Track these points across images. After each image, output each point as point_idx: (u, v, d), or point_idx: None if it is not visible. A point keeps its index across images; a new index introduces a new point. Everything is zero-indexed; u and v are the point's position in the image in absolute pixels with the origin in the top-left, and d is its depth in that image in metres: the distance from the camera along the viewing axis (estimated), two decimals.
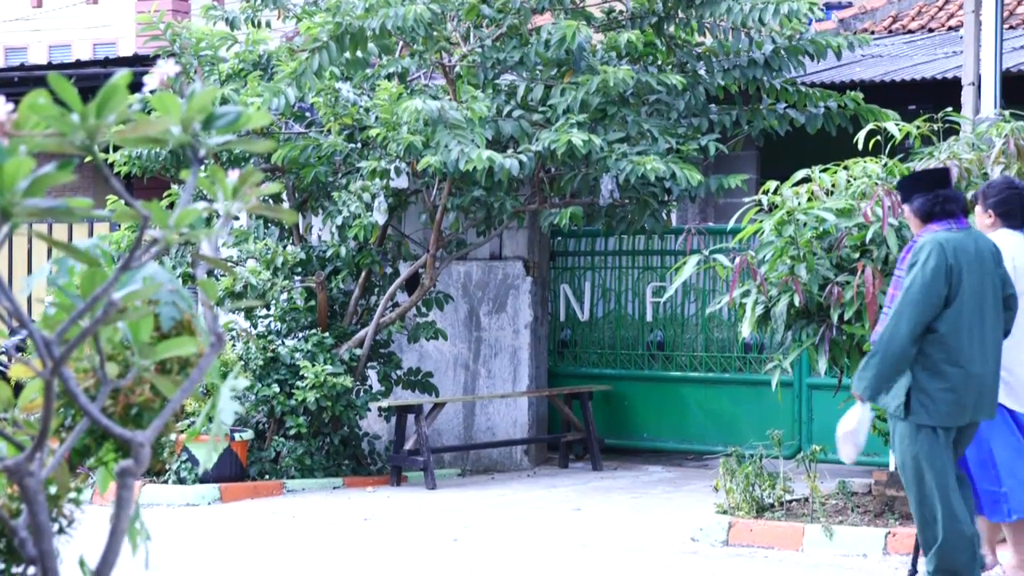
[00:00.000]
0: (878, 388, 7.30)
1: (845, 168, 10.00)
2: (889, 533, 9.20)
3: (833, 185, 9.89)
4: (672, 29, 13.09)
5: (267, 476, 12.78)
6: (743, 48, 12.98)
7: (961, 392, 7.36)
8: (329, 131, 13.22)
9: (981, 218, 8.25)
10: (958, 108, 11.58)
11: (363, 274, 13.63)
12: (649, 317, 14.49)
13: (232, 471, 12.43)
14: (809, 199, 9.73)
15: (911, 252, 7.49)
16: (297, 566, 9.10)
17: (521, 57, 12.68)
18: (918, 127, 10.11)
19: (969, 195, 9.03)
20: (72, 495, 3.14)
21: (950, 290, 7.38)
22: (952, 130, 10.28)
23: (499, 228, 13.59)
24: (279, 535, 10.41)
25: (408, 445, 13.30)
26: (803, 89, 13.28)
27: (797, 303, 9.48)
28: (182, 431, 11.33)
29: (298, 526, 10.79)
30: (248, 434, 12.62)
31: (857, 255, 9.64)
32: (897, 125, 10.07)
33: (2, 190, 2.29)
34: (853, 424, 7.47)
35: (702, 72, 13.22)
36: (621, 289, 14.69)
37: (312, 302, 13.36)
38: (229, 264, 14.61)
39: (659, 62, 13.14)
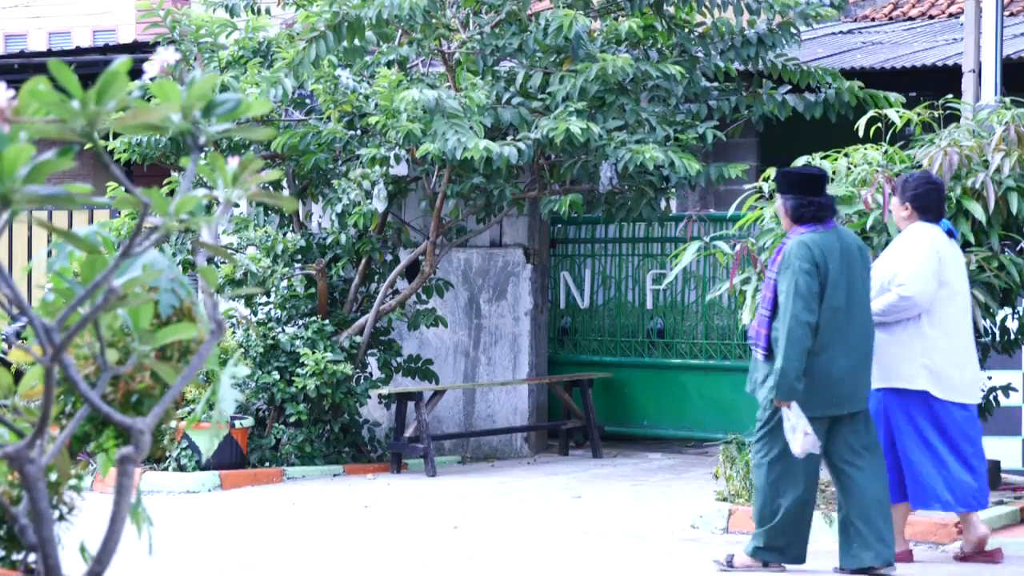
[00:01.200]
0: (793, 390, 7.81)
1: (845, 155, 9.99)
2: None
3: (833, 172, 9.88)
4: (672, 9, 13.06)
5: (267, 463, 12.79)
6: (737, 28, 12.97)
7: (832, 384, 7.87)
8: (329, 118, 13.21)
9: (898, 210, 8.55)
10: (958, 95, 11.57)
11: (363, 261, 13.63)
12: (649, 304, 14.50)
13: (232, 458, 12.44)
14: None
15: (782, 255, 7.98)
16: (297, 553, 9.11)
17: (520, 44, 12.66)
18: (919, 114, 10.10)
19: (971, 182, 9.05)
20: (73, 482, 3.14)
21: (821, 288, 7.87)
22: (953, 117, 10.28)
23: (499, 215, 13.58)
24: (279, 522, 10.41)
25: (408, 432, 13.31)
26: (804, 67, 13.25)
27: None
28: (182, 418, 11.34)
29: (298, 513, 10.80)
30: (248, 421, 12.63)
31: None
32: (897, 112, 10.06)
33: (2, 177, 2.28)
34: (802, 429, 7.79)
35: (700, 55, 13.20)
36: (621, 276, 14.69)
37: (312, 289, 13.36)
38: (229, 251, 14.61)
39: (658, 45, 13.12)
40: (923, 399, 8.35)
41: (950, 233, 8.51)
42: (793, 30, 13.06)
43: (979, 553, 8.45)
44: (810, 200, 8.03)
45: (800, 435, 7.77)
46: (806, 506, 8.06)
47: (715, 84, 13.42)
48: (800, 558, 8.13)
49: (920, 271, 8.28)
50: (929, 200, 8.45)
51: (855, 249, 8.06)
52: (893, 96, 12.80)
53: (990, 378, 10.47)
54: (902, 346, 8.37)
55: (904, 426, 8.39)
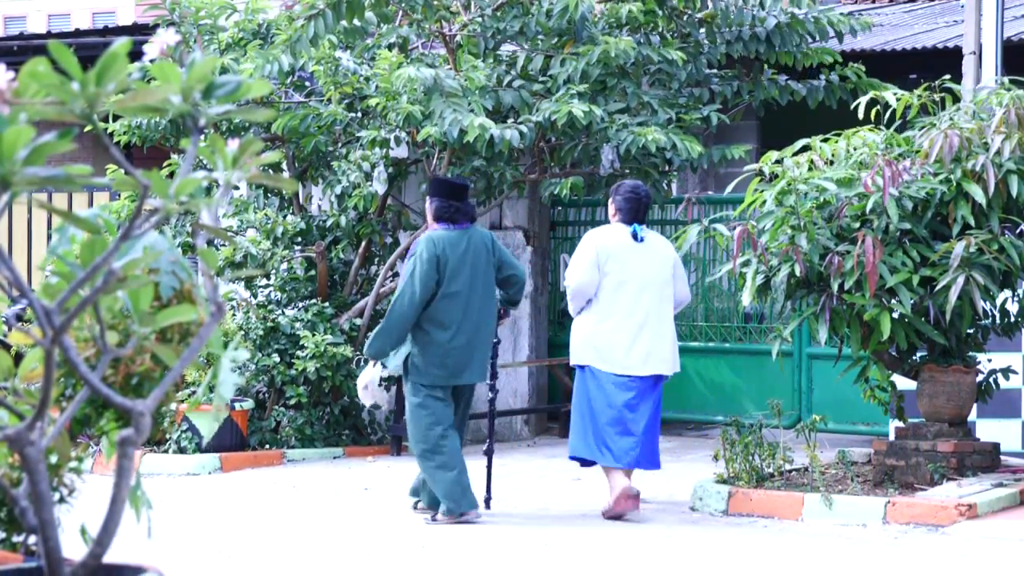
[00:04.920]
0: (382, 351, 9.36)
1: (845, 138, 9.99)
2: (889, 502, 9.22)
3: (833, 155, 9.88)
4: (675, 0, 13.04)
5: (267, 446, 12.80)
6: (746, 22, 12.95)
7: (449, 359, 9.36)
8: (329, 100, 13.20)
9: (610, 207, 10.07)
10: (959, 77, 11.56)
11: (363, 244, 13.62)
12: None
13: (232, 441, 12.45)
14: (809, 169, 9.72)
15: (414, 245, 9.49)
16: (297, 535, 9.12)
17: (521, 27, 12.64)
18: (919, 96, 10.09)
19: (971, 164, 9.04)
20: (73, 464, 3.14)
21: (440, 276, 9.32)
22: (953, 99, 10.26)
23: (499, 198, 13.57)
24: (279, 504, 10.42)
25: None
26: (806, 50, 13.23)
27: (798, 273, 9.48)
28: (182, 401, 11.34)
29: (298, 495, 10.80)
30: (248, 404, 12.63)
31: (857, 225, 9.64)
32: (896, 96, 10.05)
33: (2, 159, 2.28)
34: (367, 379, 9.61)
35: (703, 40, 13.19)
36: None
37: (312, 272, 13.35)
38: (229, 234, 14.63)
39: (660, 29, 13.09)
40: (592, 372, 9.75)
41: (635, 235, 9.84)
42: (802, 33, 13.01)
43: (628, 499, 9.57)
44: (451, 204, 9.46)
45: (361, 387, 9.56)
46: (456, 461, 9.34)
47: (714, 71, 13.40)
48: (472, 502, 9.40)
49: (577, 265, 9.80)
50: (629, 207, 9.90)
51: (482, 246, 9.47)
52: (890, 88, 12.81)
53: (990, 360, 10.48)
54: (579, 329, 9.85)
55: (579, 394, 9.87)
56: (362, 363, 9.59)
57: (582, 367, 9.83)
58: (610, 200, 10.08)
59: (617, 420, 9.63)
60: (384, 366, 9.55)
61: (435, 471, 9.34)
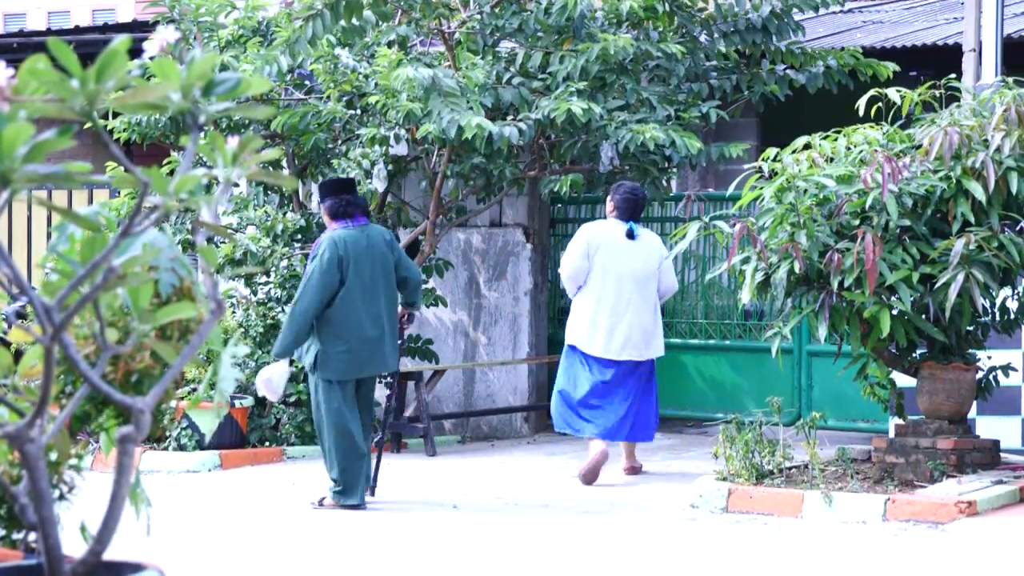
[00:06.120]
0: (288, 350, 9.77)
1: (845, 135, 9.98)
2: (888, 500, 9.22)
3: (833, 152, 9.88)
4: None
5: (267, 443, 12.80)
6: (741, 12, 12.94)
7: (354, 353, 9.75)
8: (328, 98, 13.20)
9: (608, 204, 11.21)
10: (959, 75, 11.55)
11: None
12: None
13: (232, 438, 12.45)
14: (809, 166, 9.72)
15: (317, 244, 9.89)
16: (297, 532, 9.12)
17: (520, 24, 12.63)
18: (920, 94, 10.09)
19: (971, 161, 9.04)
20: (73, 461, 3.14)
21: (342, 274, 9.74)
22: (953, 97, 10.26)
23: (499, 195, 13.58)
24: (279, 501, 10.43)
25: (408, 412, 13.32)
26: (807, 49, 13.23)
27: (797, 270, 9.47)
28: (182, 398, 11.34)
29: (298, 492, 10.80)
30: (248, 401, 12.63)
31: (857, 222, 9.64)
32: (898, 92, 10.05)
33: (2, 156, 2.28)
34: (268, 375, 9.91)
35: (702, 37, 13.18)
36: None
37: None
38: (229, 231, 14.59)
39: (660, 27, 13.09)
40: (578, 352, 11.03)
41: (630, 232, 10.99)
42: (797, 16, 13.02)
43: (595, 473, 10.85)
44: (341, 198, 9.92)
45: (262, 382, 9.88)
46: (357, 451, 9.86)
47: (713, 64, 13.39)
48: (363, 495, 9.95)
49: (569, 254, 11.04)
50: (627, 206, 11.04)
51: (382, 244, 9.94)
52: (890, 65, 12.81)
53: (990, 357, 10.48)
54: (573, 312, 11.09)
55: (565, 372, 11.10)
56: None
57: (571, 347, 11.09)
58: (609, 198, 11.17)
59: (593, 395, 10.94)
60: (291, 363, 10.04)
61: (337, 458, 9.82)
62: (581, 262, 10.96)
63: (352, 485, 9.86)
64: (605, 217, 11.37)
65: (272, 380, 9.95)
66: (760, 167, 9.89)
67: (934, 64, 13.70)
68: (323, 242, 9.86)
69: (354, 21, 12.09)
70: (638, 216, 11.13)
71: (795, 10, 13.08)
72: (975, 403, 10.39)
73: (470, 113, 11.76)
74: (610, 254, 10.96)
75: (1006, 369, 10.42)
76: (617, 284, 10.93)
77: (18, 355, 2.99)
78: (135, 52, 5.20)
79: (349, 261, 9.77)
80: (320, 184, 10.32)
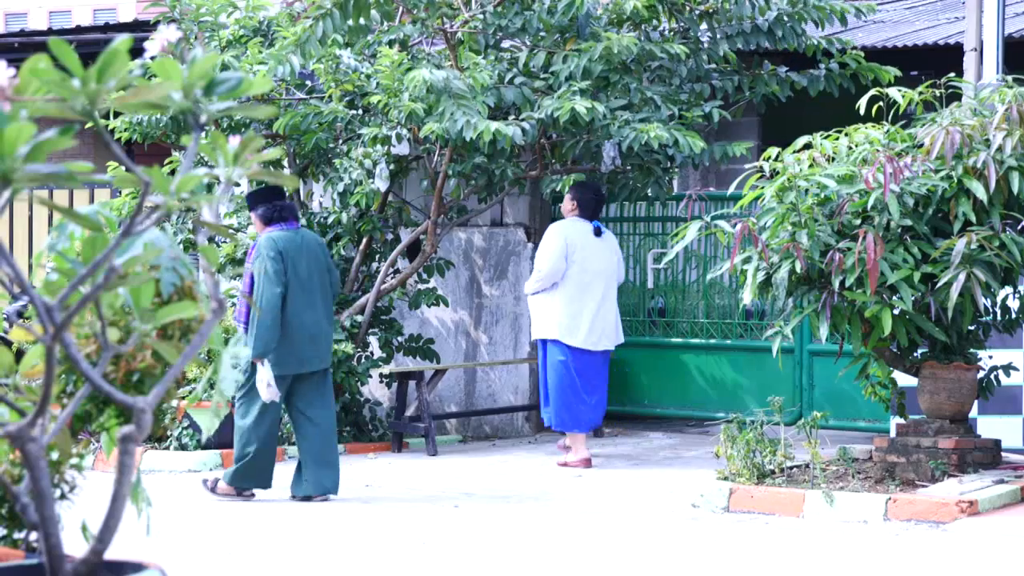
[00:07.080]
0: (267, 349, 9.93)
1: (846, 135, 9.98)
2: (890, 499, 9.22)
3: (834, 151, 9.87)
4: None
5: None
6: (747, 14, 12.93)
7: (297, 349, 10.09)
8: (330, 98, 13.20)
9: (567, 203, 12.07)
10: (960, 74, 11.55)
11: (364, 241, 13.62)
12: (650, 284, 14.49)
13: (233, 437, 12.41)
14: (811, 165, 9.72)
15: (255, 249, 10.16)
16: (297, 532, 9.12)
17: (523, 23, 12.63)
18: (921, 93, 10.08)
19: (973, 161, 9.03)
20: (74, 461, 3.14)
21: (285, 270, 10.05)
22: (954, 96, 10.26)
23: (500, 195, 13.57)
24: (280, 501, 10.42)
25: (409, 412, 13.32)
26: (811, 42, 13.20)
27: (798, 269, 9.47)
28: (183, 397, 11.35)
29: None
30: None
31: (858, 221, 9.64)
32: (900, 91, 10.05)
33: (3, 156, 2.28)
34: (268, 377, 9.98)
35: (705, 38, 13.17)
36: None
37: None
38: (230, 230, 14.58)
39: (662, 27, 13.08)
40: (556, 344, 11.75)
41: (598, 230, 11.89)
42: (804, 24, 12.98)
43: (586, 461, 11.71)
44: (274, 204, 10.17)
45: (265, 385, 9.92)
46: (271, 444, 10.28)
47: (714, 66, 13.38)
48: (266, 484, 10.33)
49: (549, 254, 11.73)
50: (587, 204, 11.93)
51: (315, 245, 10.32)
52: (891, 70, 12.78)
53: (991, 357, 10.48)
54: (547, 308, 11.75)
55: (556, 371, 11.75)
56: (244, 371, 10.19)
57: (550, 341, 11.82)
58: (569, 196, 12.05)
59: (581, 388, 11.80)
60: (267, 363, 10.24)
61: (252, 443, 10.22)
62: (561, 263, 11.74)
63: (249, 472, 10.26)
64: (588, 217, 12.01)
65: (272, 382, 10.01)
66: (761, 166, 9.89)
67: (935, 64, 13.69)
68: (261, 242, 10.14)
69: (361, 20, 12.10)
70: (599, 214, 12.09)
71: (801, 21, 13.01)
72: (976, 402, 10.39)
73: (481, 116, 11.76)
74: (585, 253, 11.81)
75: (1007, 368, 10.42)
76: (593, 280, 11.81)
77: (19, 354, 2.99)
78: (136, 52, 5.19)
79: (289, 260, 10.08)
80: (248, 194, 10.58)
